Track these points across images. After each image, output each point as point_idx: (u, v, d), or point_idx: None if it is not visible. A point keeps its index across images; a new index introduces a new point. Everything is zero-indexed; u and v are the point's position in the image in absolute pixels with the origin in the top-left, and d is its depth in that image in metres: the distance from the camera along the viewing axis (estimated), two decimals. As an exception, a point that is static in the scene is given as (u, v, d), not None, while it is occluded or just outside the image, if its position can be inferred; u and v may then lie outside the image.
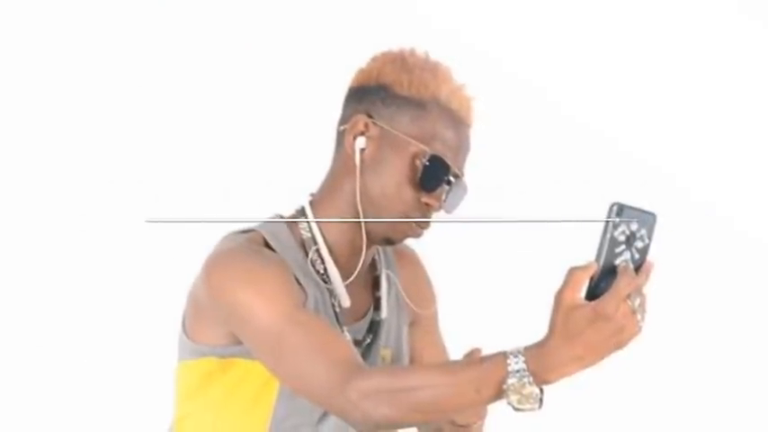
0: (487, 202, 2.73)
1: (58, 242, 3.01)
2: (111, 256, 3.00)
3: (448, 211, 1.68)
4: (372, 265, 1.78)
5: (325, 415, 1.64)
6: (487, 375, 1.35)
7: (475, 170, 1.70)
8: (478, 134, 1.71)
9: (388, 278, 1.80)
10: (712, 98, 3.13)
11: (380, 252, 1.80)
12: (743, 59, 3.14)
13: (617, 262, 1.32)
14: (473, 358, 1.51)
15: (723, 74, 3.13)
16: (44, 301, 3.00)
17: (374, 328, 1.75)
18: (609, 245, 1.31)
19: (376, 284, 1.78)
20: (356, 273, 1.69)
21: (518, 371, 1.33)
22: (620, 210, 1.30)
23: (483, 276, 2.97)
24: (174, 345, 1.73)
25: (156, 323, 2.37)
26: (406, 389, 1.41)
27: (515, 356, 1.34)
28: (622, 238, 1.31)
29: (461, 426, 1.79)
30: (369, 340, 1.73)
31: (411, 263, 1.88)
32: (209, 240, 1.67)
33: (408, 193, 1.64)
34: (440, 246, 1.89)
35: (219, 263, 1.60)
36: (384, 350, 1.76)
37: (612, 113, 3.09)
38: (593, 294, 1.31)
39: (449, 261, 2.35)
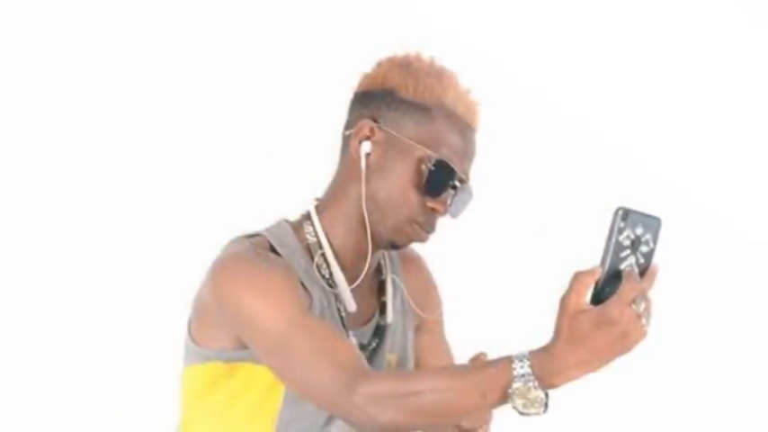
0: (488, 203, 2.74)
1: (64, 247, 3.01)
2: (118, 261, 3.00)
3: (453, 216, 1.68)
4: (378, 270, 1.78)
5: (330, 419, 1.64)
6: (493, 379, 1.36)
7: (475, 171, 1.70)
8: (479, 135, 1.71)
9: (394, 282, 1.80)
10: (713, 100, 3.12)
11: (386, 256, 1.80)
12: (743, 61, 3.14)
13: (622, 266, 1.32)
14: (479, 362, 1.51)
15: (724, 75, 3.13)
16: (51, 306, 3.00)
17: (379, 332, 1.74)
18: (614, 249, 1.31)
19: (381, 289, 1.78)
20: (362, 277, 1.69)
21: (523, 375, 1.33)
22: (626, 214, 1.30)
23: (489, 280, 2.96)
24: (180, 349, 1.73)
25: (162, 328, 2.37)
26: (411, 393, 1.41)
27: (521, 361, 1.34)
28: (627, 242, 1.31)
29: (467, 430, 1.79)
30: (374, 345, 1.73)
31: (416, 267, 1.88)
32: (214, 245, 1.68)
33: (414, 198, 1.64)
34: (445, 249, 1.90)
35: (225, 267, 1.60)
36: (389, 355, 1.76)
37: (613, 115, 3.09)
38: (598, 299, 1.32)
39: (454, 265, 2.35)
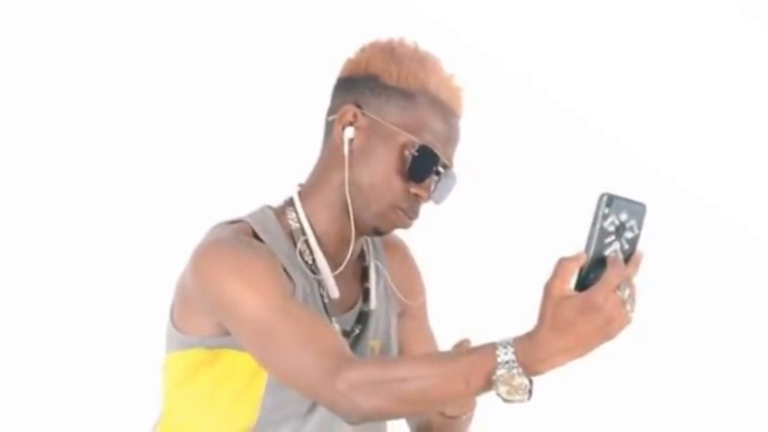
0: (488, 199, 2.75)
1: (44, 234, 3.00)
2: (99, 249, 2.99)
3: (437, 202, 1.68)
4: (361, 256, 1.78)
5: (313, 406, 1.64)
6: (477, 366, 1.36)
7: (475, 168, 1.70)
8: (479, 133, 1.70)
9: (377, 269, 1.79)
10: (714, 95, 3.13)
11: (369, 242, 1.80)
12: (740, 57, 3.15)
13: (606, 253, 1.31)
14: (462, 349, 1.51)
15: (723, 71, 3.14)
16: (33, 294, 2.98)
17: (363, 319, 1.74)
18: (598, 235, 1.30)
19: (365, 275, 1.78)
20: (345, 263, 1.68)
21: (507, 362, 1.33)
22: (610, 200, 1.30)
23: (473, 266, 2.97)
24: (162, 336, 1.72)
25: (144, 314, 2.37)
26: (395, 380, 1.41)
27: (504, 347, 1.34)
28: (612, 228, 1.31)
29: (450, 417, 1.79)
30: (357, 331, 1.73)
31: (400, 253, 1.87)
32: (196, 231, 1.67)
33: (397, 184, 1.63)
34: (430, 236, 1.89)
35: (207, 253, 1.59)
36: (373, 341, 1.75)
37: (613, 112, 3.10)
38: (582, 285, 1.31)
39: (438, 251, 2.34)
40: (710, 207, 3.11)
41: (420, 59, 1.67)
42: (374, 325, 1.76)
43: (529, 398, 1.34)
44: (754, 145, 3.17)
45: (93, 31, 3.01)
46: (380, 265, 1.80)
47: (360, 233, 1.69)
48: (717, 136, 3.15)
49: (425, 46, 1.69)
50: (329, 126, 1.69)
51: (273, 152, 2.84)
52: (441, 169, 1.64)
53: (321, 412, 1.63)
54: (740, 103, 3.15)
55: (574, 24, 3.13)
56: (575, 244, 1.32)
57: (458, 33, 2.96)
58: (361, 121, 1.65)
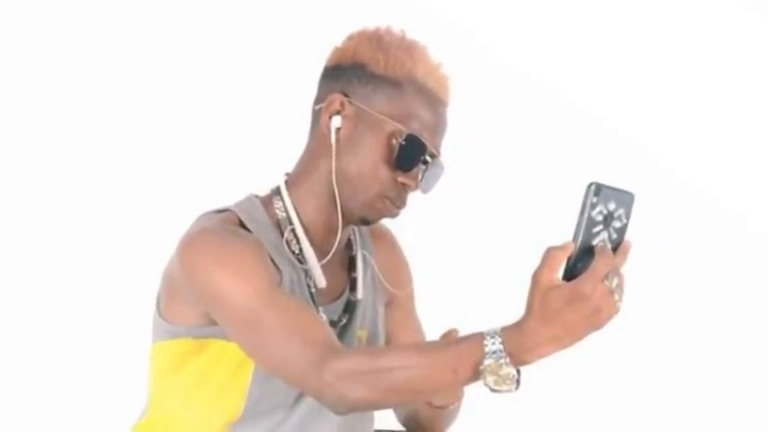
0: (479, 190, 2.74)
1: (28, 227, 2.99)
2: (84, 240, 2.98)
3: (424, 191, 1.67)
4: (348, 246, 1.78)
5: (300, 396, 1.63)
6: (464, 356, 1.35)
7: (470, 159, 1.69)
8: (478, 127, 1.70)
9: (364, 258, 1.79)
10: (713, 89, 3.12)
11: (356, 232, 1.80)
12: (741, 49, 3.14)
13: (594, 242, 1.31)
14: (450, 339, 1.51)
15: (724, 64, 3.13)
16: (16, 284, 2.97)
17: (350, 308, 1.74)
18: (586, 225, 1.30)
19: (352, 265, 1.77)
20: (332, 253, 1.68)
21: (495, 352, 1.33)
22: (598, 189, 1.29)
23: (460, 256, 2.96)
24: (149, 326, 1.71)
25: (129, 305, 2.36)
26: (382, 370, 1.41)
27: (492, 337, 1.34)
28: (600, 218, 1.30)
29: (438, 407, 1.79)
30: (344, 321, 1.72)
31: (387, 243, 1.87)
32: (183, 220, 1.66)
33: (384, 173, 1.63)
34: (417, 226, 1.89)
35: (194, 243, 1.58)
36: (360, 331, 1.75)
37: (612, 105, 3.09)
38: (570, 275, 1.31)
39: (426, 241, 2.34)
40: (710, 200, 3.10)
41: (407, 48, 1.66)
42: (361, 314, 1.76)
43: (517, 388, 1.34)
44: (755, 138, 3.16)
45: (79, 26, 3.00)
46: (368, 255, 1.80)
47: (347, 222, 1.68)
48: (717, 128, 3.14)
49: (425, 40, 1.69)
50: (316, 115, 1.69)
51: (260, 141, 2.82)
52: (428, 158, 1.64)
53: (308, 403, 1.63)
54: (741, 96, 3.14)
55: (573, 18, 3.12)
56: (563, 234, 1.32)
57: (457, 26, 2.95)
58: (349, 109, 1.64)
